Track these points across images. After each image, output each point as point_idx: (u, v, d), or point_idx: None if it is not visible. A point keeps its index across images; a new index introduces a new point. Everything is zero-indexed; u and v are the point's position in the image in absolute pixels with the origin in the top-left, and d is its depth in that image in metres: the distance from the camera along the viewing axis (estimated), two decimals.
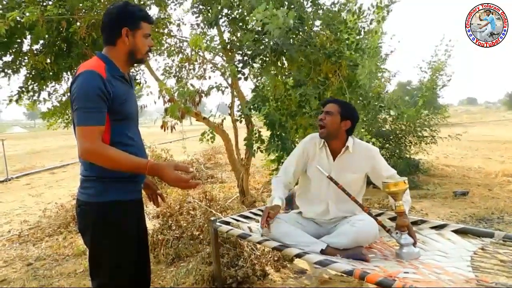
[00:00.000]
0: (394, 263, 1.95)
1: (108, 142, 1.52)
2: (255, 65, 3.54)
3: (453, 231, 2.33)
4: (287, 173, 2.49)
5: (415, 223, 2.46)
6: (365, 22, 3.50)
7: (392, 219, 2.55)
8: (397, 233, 2.08)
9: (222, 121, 4.24)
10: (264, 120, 3.57)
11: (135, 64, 1.67)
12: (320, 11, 3.30)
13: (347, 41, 3.31)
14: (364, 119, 3.66)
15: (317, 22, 3.45)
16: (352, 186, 2.35)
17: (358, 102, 3.51)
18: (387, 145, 6.85)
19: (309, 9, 3.20)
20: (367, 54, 3.30)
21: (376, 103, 3.66)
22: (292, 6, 3.11)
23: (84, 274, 3.17)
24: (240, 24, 3.77)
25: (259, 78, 3.61)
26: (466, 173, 7.10)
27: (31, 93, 3.72)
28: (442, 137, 6.84)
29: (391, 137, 6.86)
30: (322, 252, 2.14)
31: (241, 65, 3.45)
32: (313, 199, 2.45)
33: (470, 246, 2.11)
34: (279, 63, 3.43)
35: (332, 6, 3.40)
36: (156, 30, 3.83)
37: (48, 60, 3.30)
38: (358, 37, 3.42)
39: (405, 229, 2.05)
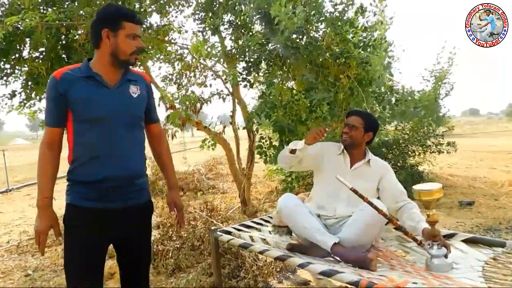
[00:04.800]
0: (401, 273, 1.88)
1: (71, 142, 1.57)
2: (260, 70, 3.51)
3: (462, 240, 2.26)
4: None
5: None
6: (367, 18, 3.46)
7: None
8: (428, 244, 1.98)
9: (224, 128, 4.20)
10: (273, 127, 3.54)
11: (124, 66, 1.59)
12: (326, 14, 3.27)
13: (353, 39, 3.28)
14: (380, 115, 3.61)
15: (321, 25, 3.42)
16: (364, 194, 2.31)
17: (372, 98, 3.47)
18: (390, 154, 6.77)
19: (313, 12, 3.17)
20: (378, 49, 3.26)
21: (390, 98, 3.62)
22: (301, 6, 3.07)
23: None
24: (243, 30, 3.75)
25: (264, 84, 3.56)
26: (471, 183, 7.00)
27: (27, 101, 3.69)
28: (442, 143, 6.75)
29: (394, 147, 6.79)
30: (333, 247, 2.12)
31: (245, 72, 3.42)
32: (323, 201, 2.45)
33: (481, 256, 2.04)
34: (284, 67, 3.39)
35: (335, 8, 3.37)
36: (158, 37, 3.82)
37: (46, 67, 3.27)
38: (364, 34, 3.39)
39: (437, 240, 1.95)
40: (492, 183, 6.91)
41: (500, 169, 8.69)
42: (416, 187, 1.99)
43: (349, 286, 1.80)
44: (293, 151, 2.40)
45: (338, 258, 2.16)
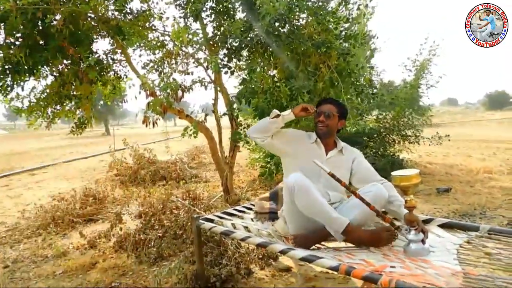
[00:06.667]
0: (380, 257, 1.93)
1: None
2: (241, 57, 3.49)
3: (439, 225, 2.33)
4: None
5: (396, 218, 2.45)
6: (351, 10, 3.49)
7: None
8: (406, 229, 2.01)
9: (206, 116, 4.17)
10: (254, 112, 3.53)
11: None
12: (309, 3, 3.27)
13: (335, 31, 3.30)
14: (358, 106, 3.68)
15: (303, 14, 3.42)
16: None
17: (351, 90, 3.51)
18: (371, 143, 6.90)
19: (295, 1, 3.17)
20: (359, 42, 3.30)
21: (369, 91, 3.66)
22: None
23: (63, 276, 3.07)
24: (225, 16, 3.71)
25: (246, 70, 3.55)
26: (448, 171, 7.19)
27: (3, 89, 3.56)
28: (424, 137, 6.94)
29: (375, 135, 6.91)
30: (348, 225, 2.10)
31: (226, 59, 3.40)
32: None
33: (456, 239, 2.11)
34: (265, 55, 3.38)
35: None
36: (138, 23, 3.74)
37: (23, 54, 3.16)
38: (346, 25, 3.42)
39: (415, 225, 1.98)
40: (468, 171, 7.12)
41: (476, 157, 8.94)
42: (395, 173, 2.00)
43: (330, 271, 1.84)
44: (277, 116, 2.35)
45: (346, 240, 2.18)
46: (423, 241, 1.96)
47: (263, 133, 2.41)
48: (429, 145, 6.93)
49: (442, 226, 2.32)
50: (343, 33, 3.35)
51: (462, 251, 1.94)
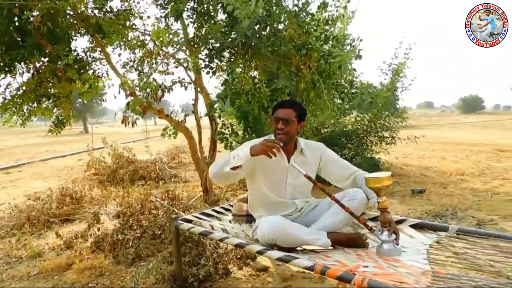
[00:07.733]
0: (354, 257, 1.98)
1: None
2: (223, 58, 3.50)
3: (410, 225, 2.41)
4: None
5: (374, 218, 2.52)
6: (330, 12, 3.55)
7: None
8: (379, 229, 2.06)
9: (185, 116, 4.16)
10: (236, 114, 3.55)
11: None
12: (288, 6, 3.32)
13: (315, 33, 3.34)
14: (339, 106, 3.73)
15: (283, 18, 3.47)
16: (307, 184, 2.40)
17: (332, 90, 3.55)
18: (349, 144, 7.03)
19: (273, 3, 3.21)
20: (341, 43, 3.35)
21: (351, 91, 3.72)
22: None
23: (38, 277, 3.02)
24: (206, 18, 3.72)
25: (227, 71, 3.57)
26: (423, 172, 7.39)
27: None
28: (401, 138, 7.14)
29: (353, 137, 7.04)
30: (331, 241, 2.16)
31: (207, 59, 3.41)
32: (275, 202, 2.40)
33: (426, 239, 2.18)
34: (247, 56, 3.40)
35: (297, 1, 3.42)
36: (119, 22, 3.71)
37: (1, 52, 3.09)
38: (326, 27, 3.46)
39: (387, 226, 2.02)
40: (442, 172, 7.33)
41: (450, 159, 9.21)
42: (368, 175, 2.07)
43: (306, 271, 1.88)
44: (234, 168, 2.12)
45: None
46: (396, 242, 2.03)
47: (226, 181, 2.32)
48: (406, 143, 7.11)
49: (414, 226, 2.39)
50: (323, 35, 3.40)
51: (431, 250, 2.02)
